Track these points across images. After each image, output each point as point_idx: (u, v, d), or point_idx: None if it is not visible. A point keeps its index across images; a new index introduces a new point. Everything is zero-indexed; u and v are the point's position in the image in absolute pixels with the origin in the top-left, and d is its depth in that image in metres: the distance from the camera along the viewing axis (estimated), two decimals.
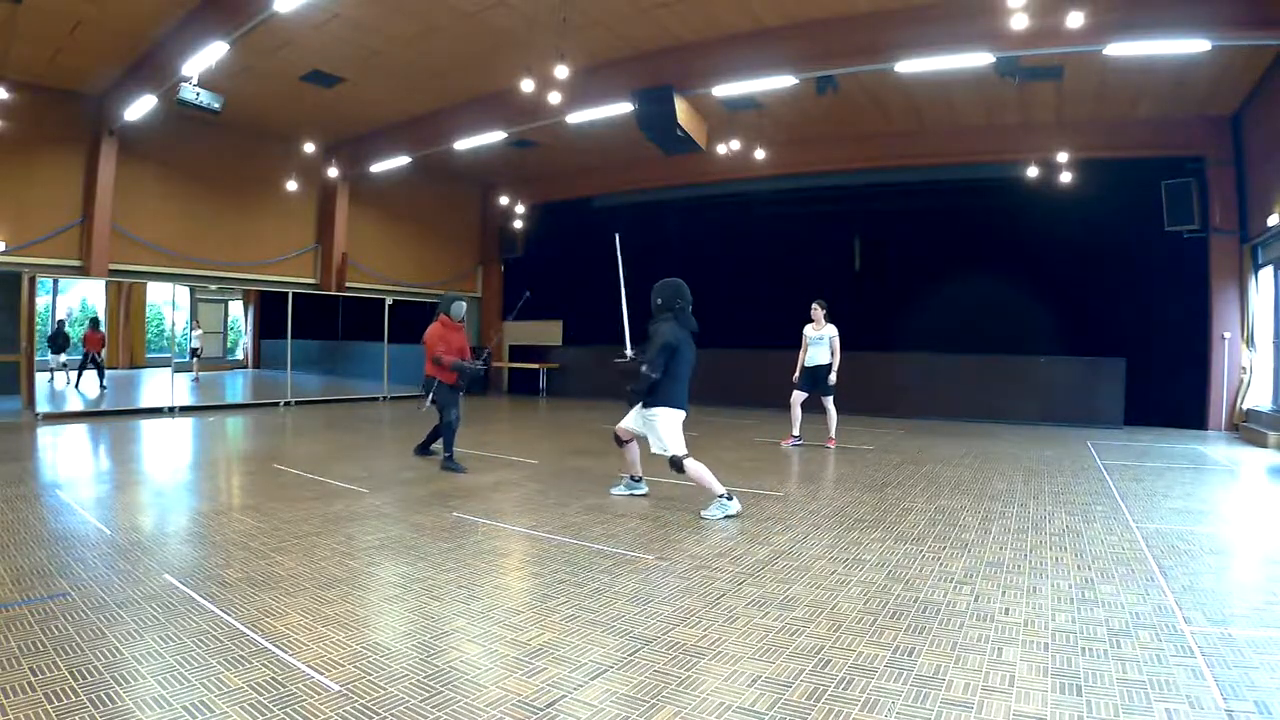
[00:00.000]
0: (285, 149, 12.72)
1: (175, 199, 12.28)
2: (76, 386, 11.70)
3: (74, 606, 3.01)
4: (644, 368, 4.85)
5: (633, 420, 5.19)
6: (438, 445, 7.05)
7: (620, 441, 5.36)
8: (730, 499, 4.86)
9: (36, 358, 10.56)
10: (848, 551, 4.08)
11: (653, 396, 4.93)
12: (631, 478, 5.50)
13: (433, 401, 6.62)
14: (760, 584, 3.50)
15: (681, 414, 4.99)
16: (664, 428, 4.92)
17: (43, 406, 10.17)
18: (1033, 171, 10.92)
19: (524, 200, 16.20)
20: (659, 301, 4.99)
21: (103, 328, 11.97)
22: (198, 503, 5.20)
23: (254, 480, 6.14)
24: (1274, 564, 3.98)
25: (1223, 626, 2.96)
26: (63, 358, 11.40)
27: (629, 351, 5.32)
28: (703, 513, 4.84)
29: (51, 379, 11.31)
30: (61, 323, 11.63)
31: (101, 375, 11.96)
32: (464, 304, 6.90)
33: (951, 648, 2.74)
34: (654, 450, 5.02)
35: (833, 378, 8.15)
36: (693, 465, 4.87)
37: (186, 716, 2.15)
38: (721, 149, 11.35)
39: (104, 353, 11.95)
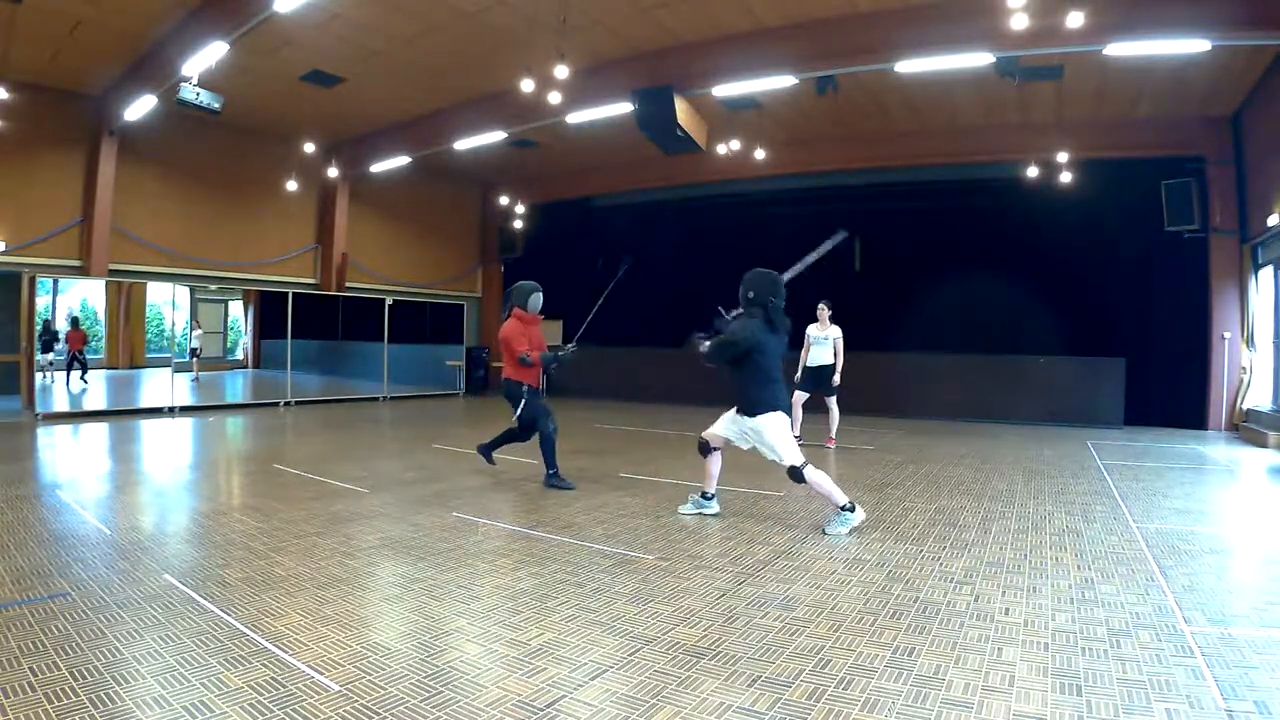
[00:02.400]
0: (285, 149, 12.72)
1: (175, 199, 12.29)
2: (67, 385, 11.75)
3: (74, 606, 3.01)
4: (703, 346, 4.49)
5: (725, 427, 4.70)
6: (498, 454, 6.27)
7: (706, 450, 4.84)
8: (853, 510, 4.41)
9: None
10: (848, 551, 4.08)
11: (752, 404, 4.51)
12: (703, 494, 4.91)
13: (521, 413, 5.72)
14: (760, 584, 3.50)
15: (786, 417, 4.57)
16: (774, 436, 4.47)
17: (46, 405, 10.16)
18: (1033, 171, 10.92)
19: (524, 200, 16.21)
20: (750, 295, 4.50)
21: (82, 326, 12.09)
22: (198, 503, 5.19)
23: (254, 480, 6.14)
24: (1274, 564, 3.97)
25: (1223, 626, 2.95)
26: (50, 356, 11.43)
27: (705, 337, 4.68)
28: (826, 529, 4.43)
29: (44, 376, 11.34)
30: (48, 322, 11.66)
31: (84, 372, 12.00)
32: (541, 294, 5.85)
33: (951, 648, 2.74)
34: (770, 458, 4.57)
35: (837, 378, 8.16)
36: (813, 473, 4.40)
37: (186, 716, 2.15)
38: (721, 149, 11.35)
39: (85, 350, 12.04)
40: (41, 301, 10.74)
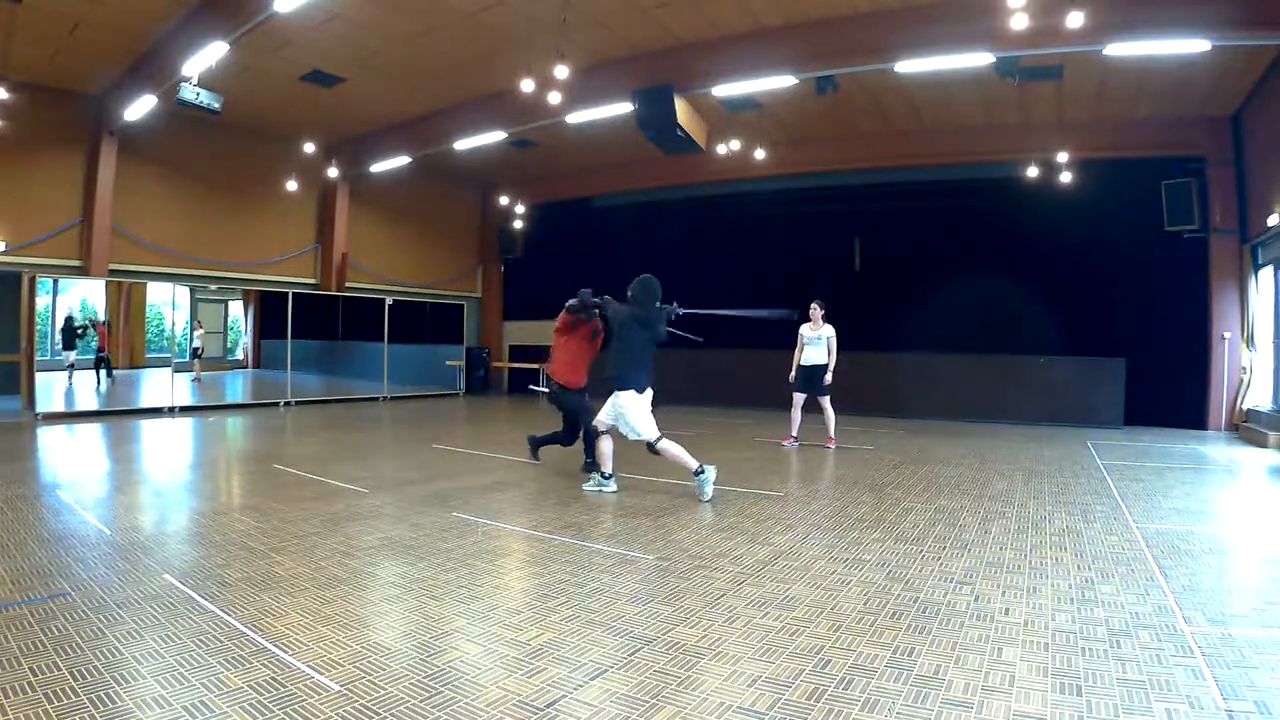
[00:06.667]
0: (285, 149, 12.70)
1: (175, 199, 12.28)
2: (97, 385, 11.76)
3: (74, 606, 3.01)
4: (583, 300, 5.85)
5: (605, 410, 5.62)
6: (545, 451, 6.93)
7: (595, 435, 5.69)
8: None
9: (49, 356, 10.58)
10: (848, 551, 4.08)
11: (617, 380, 5.54)
12: (602, 474, 5.72)
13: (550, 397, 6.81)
14: (760, 584, 3.50)
15: (643, 397, 5.52)
16: (618, 408, 5.52)
17: (45, 405, 10.14)
18: (1033, 171, 10.90)
19: (524, 200, 16.20)
20: (630, 294, 5.69)
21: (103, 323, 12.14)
22: (198, 503, 5.20)
23: (254, 480, 6.14)
24: (1274, 564, 3.98)
25: (1223, 626, 2.95)
26: (73, 354, 11.41)
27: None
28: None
29: (70, 377, 11.34)
30: (70, 318, 11.63)
31: (109, 371, 12.05)
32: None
33: (951, 648, 2.74)
34: (623, 430, 5.58)
35: (828, 377, 8.14)
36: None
37: (186, 716, 2.15)
38: (721, 149, 11.35)
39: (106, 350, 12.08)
40: (41, 301, 10.75)
